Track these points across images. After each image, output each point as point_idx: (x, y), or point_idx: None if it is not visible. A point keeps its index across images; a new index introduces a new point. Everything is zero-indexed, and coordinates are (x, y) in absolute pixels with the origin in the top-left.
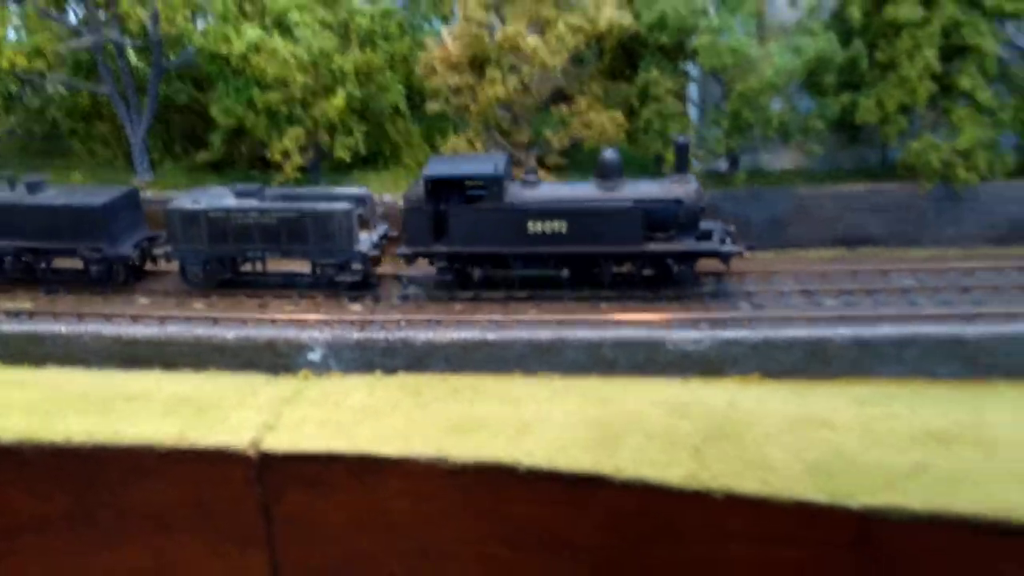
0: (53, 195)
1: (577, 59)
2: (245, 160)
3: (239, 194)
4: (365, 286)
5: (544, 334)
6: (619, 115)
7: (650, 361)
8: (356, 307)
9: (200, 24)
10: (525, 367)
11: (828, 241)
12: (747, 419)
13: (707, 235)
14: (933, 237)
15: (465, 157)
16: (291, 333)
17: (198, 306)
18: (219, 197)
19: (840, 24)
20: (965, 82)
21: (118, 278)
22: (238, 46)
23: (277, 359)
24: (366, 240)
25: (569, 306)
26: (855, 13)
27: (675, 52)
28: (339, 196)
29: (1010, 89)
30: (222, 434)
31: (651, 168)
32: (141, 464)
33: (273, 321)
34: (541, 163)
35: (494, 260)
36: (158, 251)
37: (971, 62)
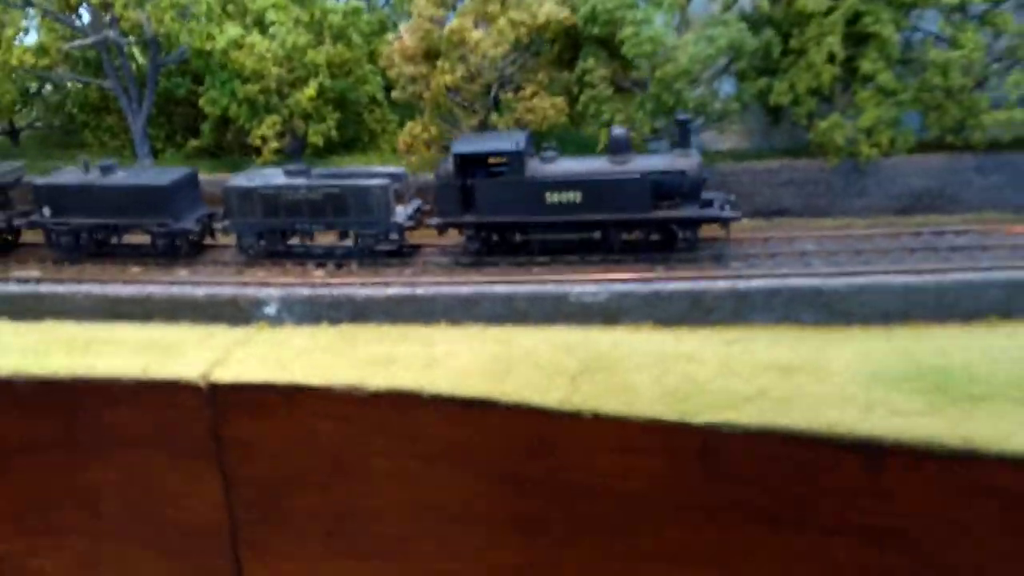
0: (124, 176)
1: (532, 49)
2: (233, 146)
3: (288, 173)
4: (400, 254)
5: (465, 289)
6: (560, 101)
7: (557, 311)
8: (319, 272)
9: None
10: (451, 318)
11: (747, 213)
12: (623, 354)
13: (708, 203)
14: (841, 208)
15: (490, 135)
16: (251, 291)
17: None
18: (271, 176)
19: (759, 14)
20: (867, 66)
21: (181, 250)
22: (220, 43)
23: (239, 313)
24: (402, 213)
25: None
26: (764, 5)
27: (609, 42)
28: (377, 174)
29: (913, 71)
30: (179, 368)
31: (592, 148)
32: (112, 393)
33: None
34: None
35: (516, 228)
36: (217, 225)
37: (873, 48)
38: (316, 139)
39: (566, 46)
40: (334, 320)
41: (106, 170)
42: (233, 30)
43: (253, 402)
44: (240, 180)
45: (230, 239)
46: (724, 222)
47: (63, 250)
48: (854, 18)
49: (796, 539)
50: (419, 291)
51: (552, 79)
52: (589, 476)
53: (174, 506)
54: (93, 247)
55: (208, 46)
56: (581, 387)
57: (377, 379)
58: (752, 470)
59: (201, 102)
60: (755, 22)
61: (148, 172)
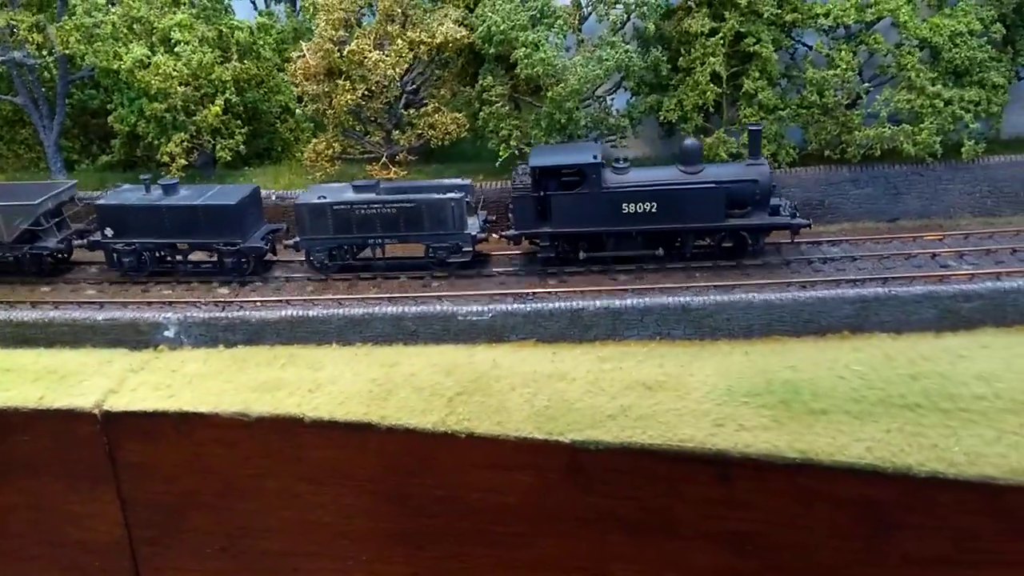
0: (188, 195)
1: (437, 63)
2: (143, 161)
3: (357, 188)
4: (472, 265)
5: (357, 310)
6: (461, 116)
7: (445, 331)
8: (223, 290)
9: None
10: (343, 338)
11: None
12: (500, 375)
13: (776, 210)
14: None
15: (564, 147)
16: (149, 314)
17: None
18: (339, 192)
19: (647, 35)
20: (749, 85)
21: (248, 268)
22: (126, 62)
23: (139, 336)
24: (474, 224)
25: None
26: (651, 28)
27: (506, 60)
28: (445, 186)
29: (797, 86)
30: (74, 397)
31: (494, 160)
32: (11, 422)
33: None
34: (392, 161)
35: (590, 238)
36: (288, 242)
37: (755, 67)
38: (224, 154)
39: (469, 61)
40: (230, 342)
41: (169, 189)
42: (138, 50)
43: (146, 429)
44: (309, 197)
45: (292, 255)
46: (795, 229)
47: (126, 270)
48: (738, 37)
49: (660, 546)
50: (312, 312)
51: (455, 94)
52: (466, 492)
53: (75, 526)
54: (156, 267)
55: (115, 66)
56: (457, 409)
57: (263, 404)
58: (617, 483)
59: (110, 119)
60: (644, 41)
61: (212, 190)
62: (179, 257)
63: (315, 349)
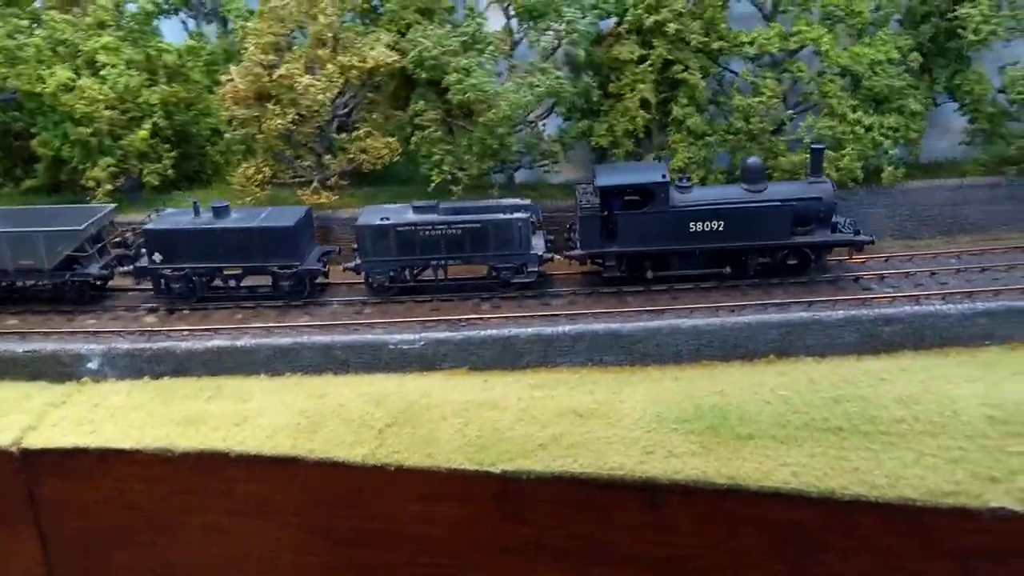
0: (241, 217)
1: (369, 86)
2: (68, 185)
3: (417, 209)
4: (536, 285)
5: (285, 340)
6: (394, 141)
7: (376, 359)
8: (150, 319)
9: None
10: (272, 368)
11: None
12: (431, 404)
13: (836, 227)
14: None
15: (629, 166)
16: (72, 345)
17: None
18: (400, 213)
19: (577, 62)
20: (677, 111)
21: (304, 292)
22: (50, 85)
23: (62, 369)
24: (538, 244)
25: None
26: (581, 55)
27: (439, 85)
28: (507, 206)
29: (723, 113)
30: None
31: (427, 184)
32: None
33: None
34: (324, 185)
35: (657, 257)
36: (349, 265)
37: (683, 94)
38: (152, 179)
39: (401, 85)
40: (156, 374)
41: (220, 212)
42: (63, 72)
43: (66, 465)
44: (370, 218)
45: (344, 277)
46: (859, 246)
47: (175, 297)
48: (667, 64)
49: (588, 572)
50: (240, 343)
51: (388, 118)
52: (395, 524)
53: None
54: (207, 292)
55: (38, 89)
56: (387, 441)
57: (187, 439)
58: (546, 512)
59: (33, 143)
60: (575, 68)
61: (265, 212)
62: (232, 282)
63: (243, 380)
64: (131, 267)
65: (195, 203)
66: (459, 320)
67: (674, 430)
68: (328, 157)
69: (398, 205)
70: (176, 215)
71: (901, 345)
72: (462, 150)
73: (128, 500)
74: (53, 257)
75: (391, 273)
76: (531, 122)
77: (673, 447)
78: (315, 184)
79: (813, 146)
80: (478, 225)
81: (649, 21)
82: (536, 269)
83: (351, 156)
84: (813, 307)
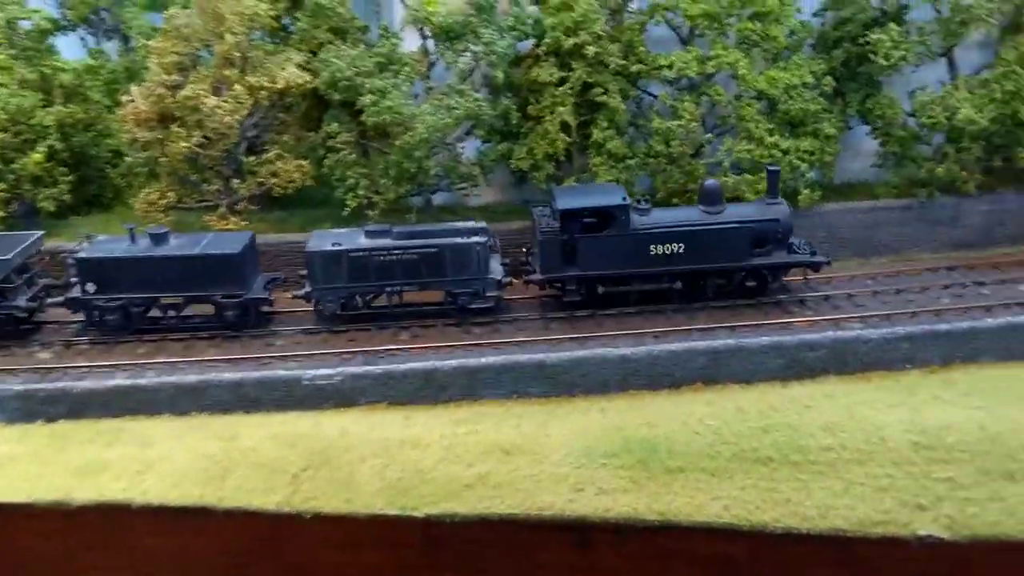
0: (182, 244)
1: (280, 107)
2: None
3: (370, 234)
4: (494, 310)
5: (191, 377)
6: (306, 164)
7: (289, 396)
8: (45, 355)
9: None
10: (177, 408)
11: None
12: (349, 445)
13: (791, 248)
14: None
15: (585, 188)
16: None
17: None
18: (350, 238)
19: (496, 84)
20: (597, 134)
21: (250, 322)
22: None
23: None
24: (497, 268)
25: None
26: (499, 77)
27: (353, 107)
28: (461, 229)
29: (642, 135)
30: None
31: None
32: None
33: None
34: (232, 210)
35: (617, 280)
36: (298, 293)
37: (603, 117)
38: (47, 204)
39: (313, 106)
40: (51, 416)
41: (158, 238)
42: None
43: None
44: (320, 243)
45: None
46: (816, 267)
47: (110, 329)
48: (586, 87)
49: None
50: (142, 381)
51: (299, 140)
52: (314, 573)
53: None
54: (145, 323)
55: None
56: (303, 486)
57: (86, 490)
58: (474, 555)
59: None
60: (494, 90)
61: (206, 239)
62: (171, 312)
63: (145, 422)
64: (62, 298)
65: (131, 229)
66: (380, 352)
67: (603, 465)
68: (236, 181)
69: (348, 229)
70: (110, 242)
71: (824, 370)
72: (378, 173)
73: (21, 559)
74: None
75: (342, 300)
76: (448, 144)
77: (603, 483)
78: (223, 209)
79: (768, 168)
80: (435, 249)
81: (568, 43)
82: (495, 294)
83: (261, 180)
84: (737, 333)
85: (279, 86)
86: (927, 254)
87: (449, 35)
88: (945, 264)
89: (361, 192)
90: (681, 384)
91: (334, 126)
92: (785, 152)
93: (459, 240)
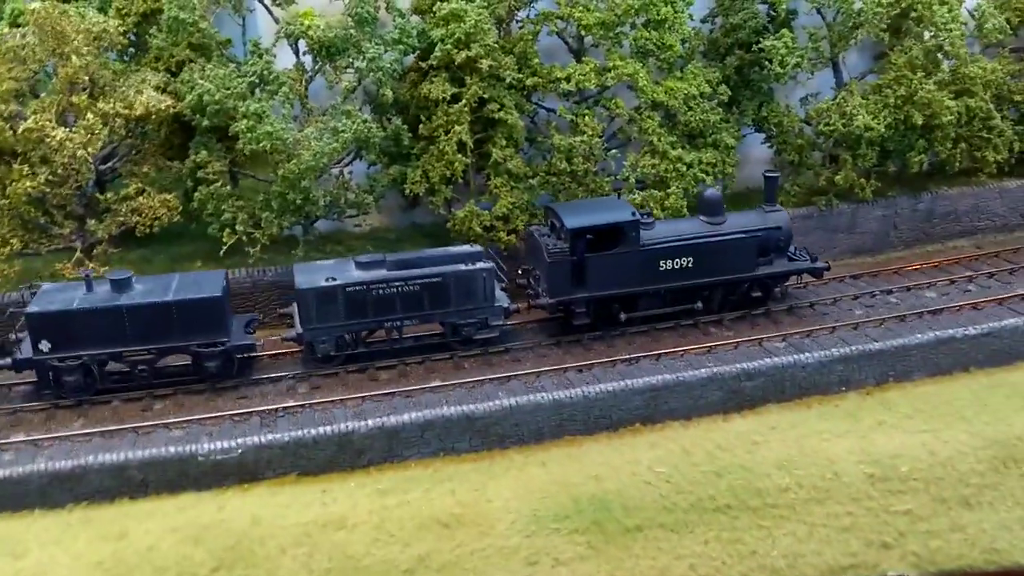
0: (148, 290)
1: (136, 135)
2: None
3: (362, 265)
4: (498, 341)
5: (64, 463)
6: (172, 197)
7: (183, 476)
8: None
9: None
10: (50, 501)
11: None
12: (263, 534)
13: (792, 257)
14: None
15: (587, 204)
16: None
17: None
18: (340, 270)
19: (384, 102)
20: (496, 153)
21: (232, 371)
22: None
23: None
24: (502, 295)
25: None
26: (388, 95)
27: (223, 134)
28: (460, 255)
29: (540, 153)
30: None
31: (214, 246)
32: None
33: None
34: (89, 254)
35: (625, 300)
36: (288, 335)
37: (501, 134)
38: None
39: (174, 132)
40: None
41: (120, 284)
42: None
43: None
44: (311, 279)
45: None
46: (818, 273)
47: (69, 390)
48: (481, 102)
49: None
50: (4, 472)
51: (161, 170)
52: None
53: None
54: (110, 381)
55: None
56: None
57: None
58: None
59: None
60: (381, 108)
61: (174, 280)
62: (141, 368)
63: (12, 522)
64: (7, 360)
65: (87, 275)
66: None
67: (555, 531)
68: (93, 221)
69: (332, 262)
70: (61, 291)
71: (763, 399)
72: (257, 206)
73: None
74: None
75: (337, 340)
76: (335, 170)
77: (558, 553)
78: (79, 254)
79: (767, 175)
80: (439, 279)
81: (460, 56)
82: (501, 323)
83: (121, 218)
84: (660, 358)
85: (137, 112)
86: (830, 262)
87: (329, 50)
88: (848, 272)
89: (239, 227)
90: (619, 426)
91: (203, 154)
92: (689, 165)
93: (464, 267)
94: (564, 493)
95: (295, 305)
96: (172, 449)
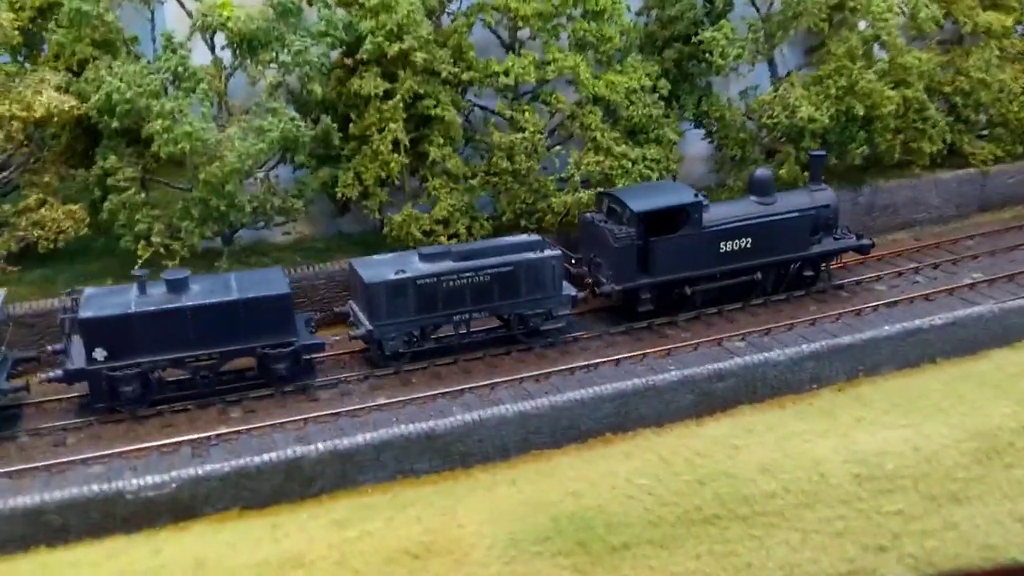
0: (208, 290)
1: (39, 143)
2: None
3: (427, 257)
4: (560, 332)
5: None
6: (78, 209)
7: (109, 518)
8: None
9: None
10: None
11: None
12: None
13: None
14: None
15: (645, 187)
16: None
17: None
18: (405, 263)
19: (312, 99)
20: (435, 152)
21: (299, 373)
22: None
23: None
24: (568, 285)
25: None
26: (317, 91)
27: (135, 137)
28: (519, 244)
29: (479, 152)
30: None
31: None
32: None
33: None
34: None
35: (687, 283)
36: (356, 332)
37: (437, 132)
38: None
39: (78, 136)
40: None
41: (177, 285)
42: None
43: None
44: (379, 273)
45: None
46: (865, 250)
47: (125, 402)
48: (414, 99)
49: None
50: None
51: (64, 179)
52: None
53: None
54: (169, 390)
55: None
56: None
57: None
58: None
59: None
60: (306, 106)
61: (233, 279)
62: (203, 373)
63: None
64: (58, 372)
65: (141, 277)
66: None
67: (537, 554)
68: None
69: (391, 255)
70: (109, 295)
71: (736, 400)
72: (175, 214)
73: None
74: None
75: (405, 337)
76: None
77: None
78: None
79: (812, 153)
80: (509, 268)
81: (393, 50)
82: (568, 312)
83: (21, 232)
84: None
85: (38, 114)
86: None
87: (251, 44)
88: None
89: (156, 239)
90: (588, 436)
91: (112, 159)
92: (634, 162)
93: (535, 255)
94: (541, 513)
95: (353, 302)
96: (96, 488)
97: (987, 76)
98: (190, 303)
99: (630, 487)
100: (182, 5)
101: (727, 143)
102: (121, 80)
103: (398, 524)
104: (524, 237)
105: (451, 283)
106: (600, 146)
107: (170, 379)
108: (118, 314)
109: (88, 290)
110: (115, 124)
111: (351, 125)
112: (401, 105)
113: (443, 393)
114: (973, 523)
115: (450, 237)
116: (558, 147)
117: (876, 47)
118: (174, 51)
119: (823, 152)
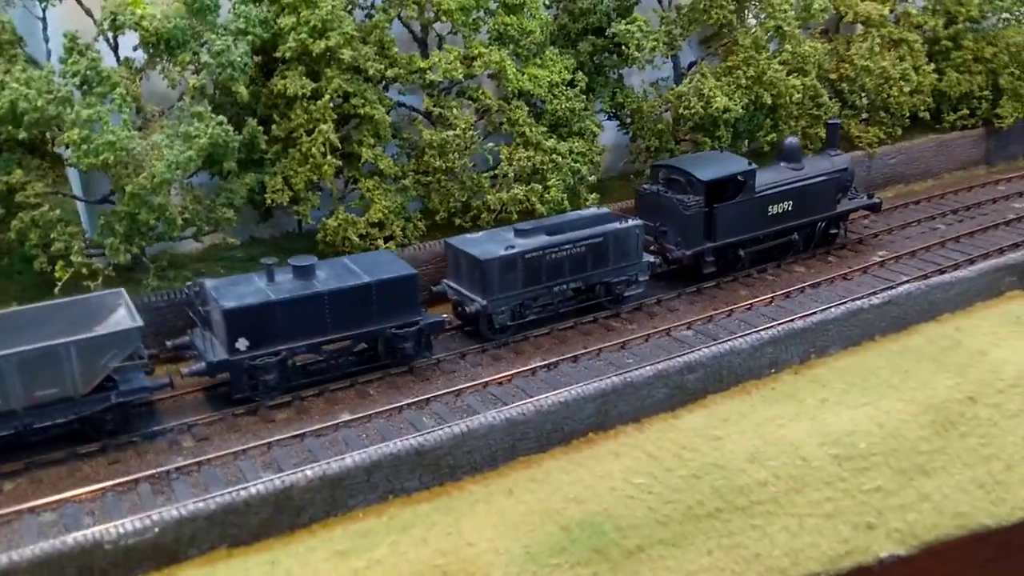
0: (336, 275)
1: None
2: None
3: (523, 232)
4: (638, 297)
5: None
6: None
7: (86, 572)
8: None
9: None
10: None
11: None
12: None
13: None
14: None
15: (697, 157)
16: None
17: None
18: (496, 240)
19: (235, 102)
20: (367, 153)
21: (421, 351)
22: None
23: None
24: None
25: None
26: (243, 92)
27: (43, 147)
28: (597, 216)
29: (407, 151)
30: None
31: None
32: None
33: None
34: None
35: (741, 245)
36: (471, 307)
37: (366, 131)
38: None
39: None
40: None
41: (304, 271)
42: None
43: None
44: (490, 249)
45: None
46: (876, 208)
47: (265, 391)
48: (344, 98)
49: None
50: None
51: None
52: None
53: None
54: (299, 379)
55: None
56: None
57: None
58: None
59: None
60: (222, 108)
61: (352, 263)
62: (336, 358)
63: None
64: (201, 365)
65: (270, 264)
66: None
67: (556, 567)
68: None
69: (482, 234)
70: (237, 285)
71: (704, 391)
72: (97, 231)
73: None
74: (91, 377)
75: (512, 310)
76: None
77: None
78: None
79: (829, 122)
80: (600, 239)
81: (318, 47)
82: (647, 278)
83: None
84: (600, 370)
85: None
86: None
87: (168, 44)
88: None
89: (76, 259)
90: (571, 438)
91: (19, 174)
92: (563, 156)
93: (621, 226)
94: (550, 523)
95: (452, 281)
96: (71, 541)
97: (870, 63)
98: (327, 288)
99: (629, 487)
100: (80, 3)
101: (643, 134)
102: (26, 86)
103: (405, 548)
104: (593, 210)
105: (553, 255)
106: (529, 141)
107: (302, 365)
108: (261, 302)
109: (209, 281)
110: (23, 135)
111: (274, 127)
112: (331, 105)
113: (408, 404)
114: (942, 493)
115: (386, 240)
116: (491, 144)
117: (775, 37)
118: (81, 53)
119: (838, 121)
